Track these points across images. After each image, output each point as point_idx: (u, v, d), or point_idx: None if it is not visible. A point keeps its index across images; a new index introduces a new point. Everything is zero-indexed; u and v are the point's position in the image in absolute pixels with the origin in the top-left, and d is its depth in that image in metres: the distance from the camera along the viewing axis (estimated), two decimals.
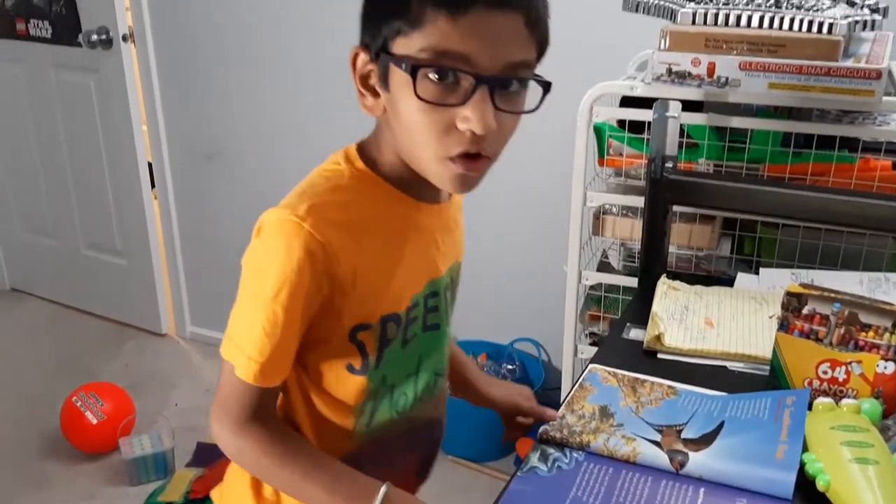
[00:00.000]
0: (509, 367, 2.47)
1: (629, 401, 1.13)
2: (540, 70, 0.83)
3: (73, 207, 3.20)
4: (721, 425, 1.06)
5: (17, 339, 3.18)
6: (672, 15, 1.57)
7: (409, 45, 0.76)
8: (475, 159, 0.80)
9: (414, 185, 0.88)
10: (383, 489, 0.87)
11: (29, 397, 2.74)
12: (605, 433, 1.03)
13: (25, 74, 3.07)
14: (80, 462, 2.42)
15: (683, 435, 1.04)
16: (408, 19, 0.75)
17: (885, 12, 1.55)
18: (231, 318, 0.88)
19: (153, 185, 3.04)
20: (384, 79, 0.81)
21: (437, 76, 0.76)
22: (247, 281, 0.85)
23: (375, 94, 0.83)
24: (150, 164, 3.02)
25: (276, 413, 0.94)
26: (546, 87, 0.80)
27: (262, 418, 0.89)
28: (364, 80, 0.83)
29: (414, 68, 0.76)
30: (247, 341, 0.85)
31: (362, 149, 0.89)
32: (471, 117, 0.76)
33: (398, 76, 0.78)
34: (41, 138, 3.15)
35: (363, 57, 0.82)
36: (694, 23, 1.54)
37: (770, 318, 1.31)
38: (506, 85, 0.78)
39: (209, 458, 2.34)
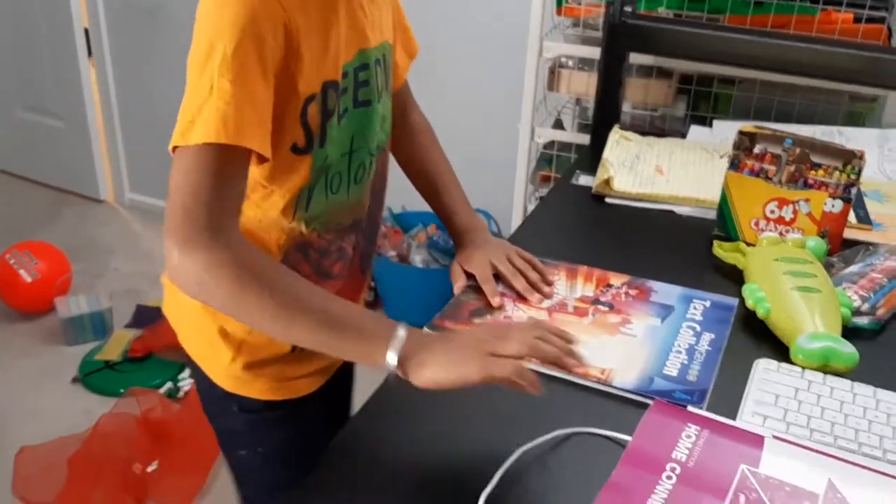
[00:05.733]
0: None
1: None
2: None
3: (9, 68, 3.03)
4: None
5: None
6: None
7: None
8: None
9: None
10: (400, 330, 0.75)
11: None
12: None
13: None
14: (14, 322, 2.36)
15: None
16: None
17: None
18: (185, 99, 0.77)
19: (90, 53, 2.89)
20: None
21: None
22: (199, 42, 0.77)
23: None
24: (86, 31, 2.86)
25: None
26: None
27: (234, 231, 0.76)
28: None
29: None
30: (207, 103, 0.74)
31: None
32: None
33: None
34: None
35: None
36: None
37: (721, 157, 1.29)
38: None
39: (148, 320, 2.29)
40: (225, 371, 0.95)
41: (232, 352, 0.93)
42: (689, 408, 0.79)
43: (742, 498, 0.64)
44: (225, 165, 0.74)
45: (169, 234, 0.74)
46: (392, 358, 0.73)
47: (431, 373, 0.73)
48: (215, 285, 0.74)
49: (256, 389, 0.96)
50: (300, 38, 0.79)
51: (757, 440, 0.70)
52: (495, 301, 0.98)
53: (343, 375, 1.08)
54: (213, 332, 0.93)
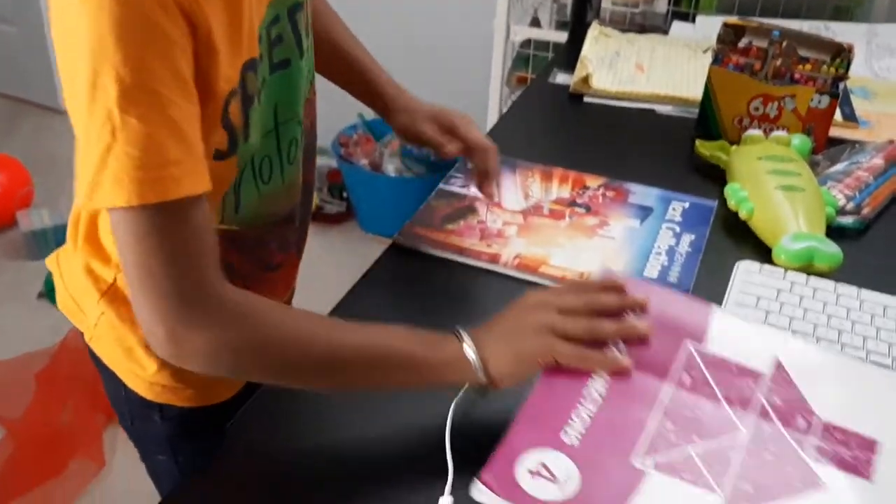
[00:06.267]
0: None
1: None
2: None
3: None
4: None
5: None
6: None
7: None
8: None
9: None
10: (464, 334, 0.63)
11: None
12: None
13: None
14: None
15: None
16: None
17: None
18: (79, 141, 0.58)
19: None
20: None
21: None
22: (73, 62, 0.55)
23: None
24: None
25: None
26: None
27: (226, 286, 0.61)
28: None
29: None
30: (111, 153, 0.55)
31: None
32: None
33: None
34: None
35: None
36: None
37: (704, 52, 1.23)
38: None
39: None
40: (149, 382, 0.80)
41: (157, 363, 0.78)
42: None
43: (686, 378, 0.61)
44: (178, 218, 0.57)
45: (149, 313, 0.58)
46: (470, 352, 0.61)
47: (498, 366, 0.61)
48: (233, 363, 0.61)
49: (183, 397, 0.82)
50: (209, 23, 0.59)
51: (703, 313, 0.66)
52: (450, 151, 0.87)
53: None
54: (134, 343, 0.78)
